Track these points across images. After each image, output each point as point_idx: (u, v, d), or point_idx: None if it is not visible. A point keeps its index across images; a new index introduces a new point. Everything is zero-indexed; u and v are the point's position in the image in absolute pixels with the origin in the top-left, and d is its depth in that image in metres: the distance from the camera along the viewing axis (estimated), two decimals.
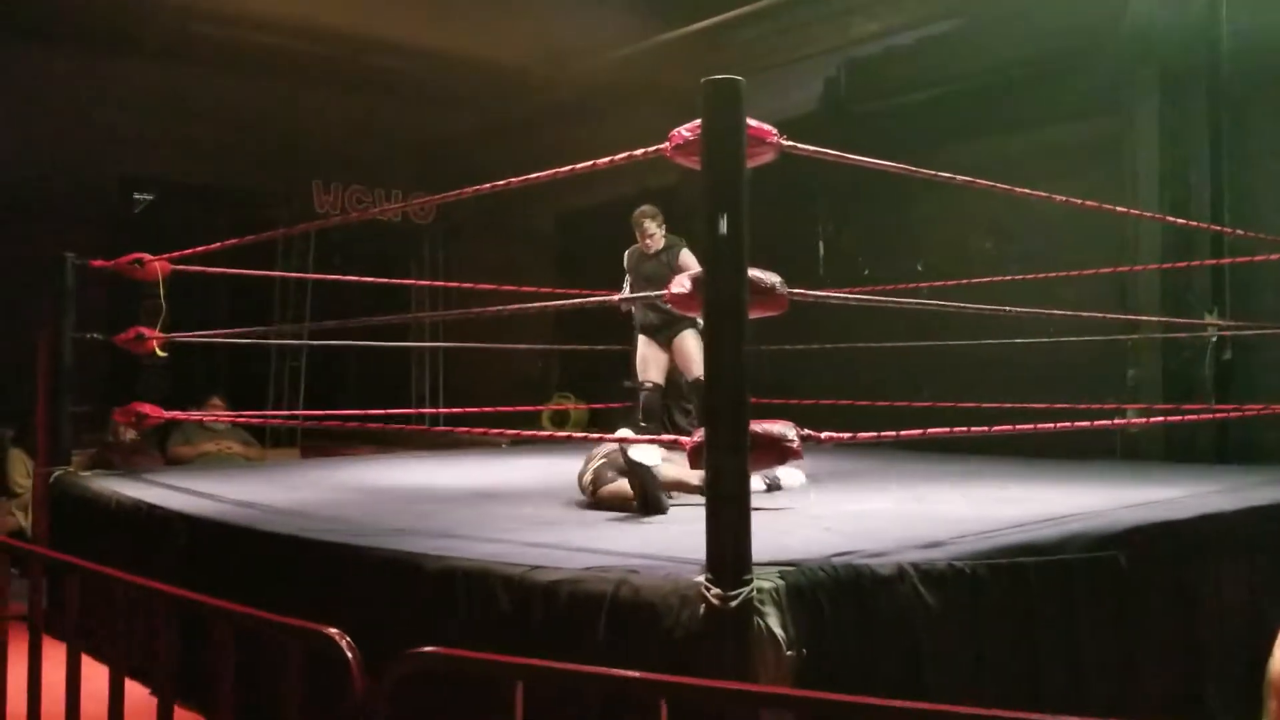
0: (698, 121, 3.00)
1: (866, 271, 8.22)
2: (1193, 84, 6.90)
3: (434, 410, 9.58)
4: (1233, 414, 5.85)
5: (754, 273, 2.90)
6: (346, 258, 10.14)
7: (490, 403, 7.71)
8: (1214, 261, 6.66)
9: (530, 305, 4.56)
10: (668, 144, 3.13)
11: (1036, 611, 3.47)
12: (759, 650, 2.74)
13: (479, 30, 8.69)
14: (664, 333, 6.10)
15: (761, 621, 2.75)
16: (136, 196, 10.73)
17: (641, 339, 6.23)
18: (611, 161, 3.51)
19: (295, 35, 8.87)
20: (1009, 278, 7.09)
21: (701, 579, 2.81)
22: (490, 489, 5.69)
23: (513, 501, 5.07)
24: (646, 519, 4.39)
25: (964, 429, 3.73)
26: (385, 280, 7.93)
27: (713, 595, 2.69)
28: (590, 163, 3.61)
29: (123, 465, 7.03)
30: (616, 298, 5.54)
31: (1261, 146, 6.74)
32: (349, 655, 1.99)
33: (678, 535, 3.95)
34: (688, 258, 5.80)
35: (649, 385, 6.10)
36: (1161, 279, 6.85)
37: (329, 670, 2.06)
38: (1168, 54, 6.97)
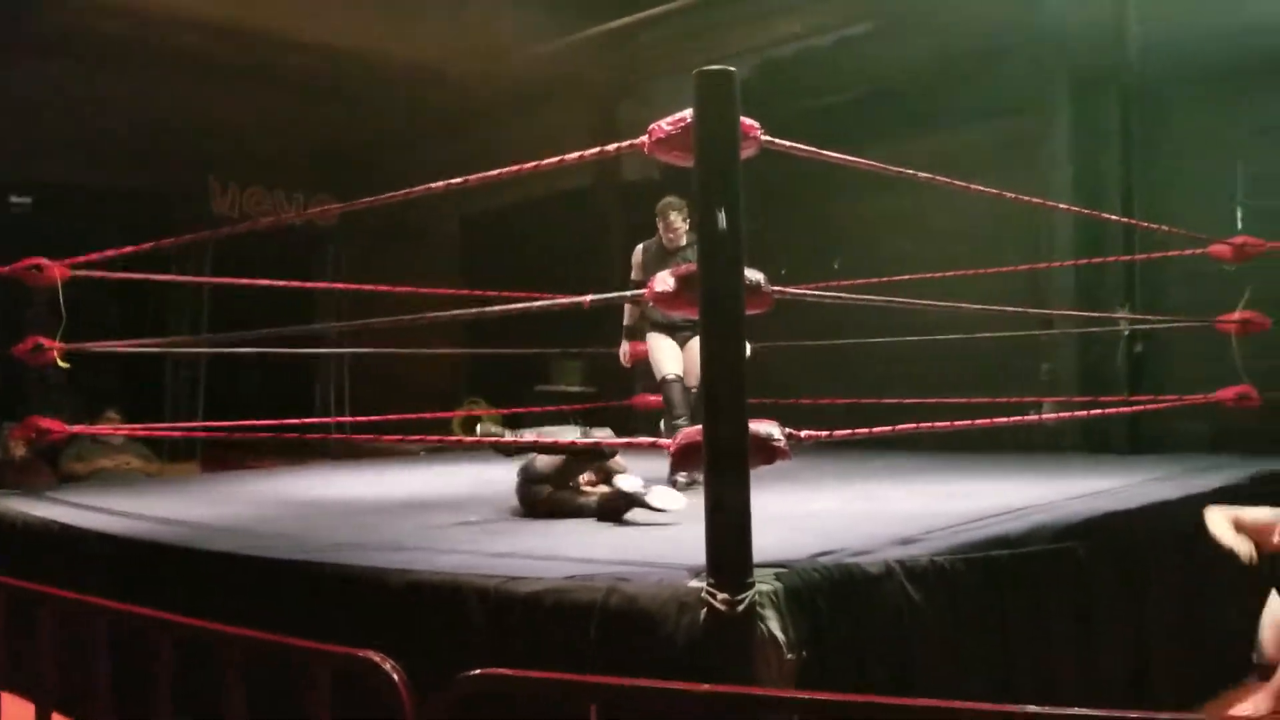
0: (680, 115, 2.92)
1: (784, 271, 8.23)
2: (1103, 84, 7.11)
3: (342, 419, 9.27)
4: (1148, 406, 6.02)
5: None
6: (243, 262, 9.75)
7: (398, 410, 7.47)
8: (1126, 258, 6.86)
9: (491, 310, 4.42)
10: (645, 138, 3.03)
11: (1008, 602, 3.50)
12: (762, 654, 2.68)
13: (384, 28, 8.45)
14: (684, 333, 5.76)
15: (763, 625, 2.70)
16: (14, 200, 10.15)
17: (653, 336, 5.92)
18: (583, 157, 3.42)
19: (191, 30, 8.49)
20: (926, 275, 7.21)
21: (700, 584, 2.75)
22: (424, 499, 5.53)
23: (453, 511, 4.91)
24: (600, 524, 4.31)
25: (928, 425, 3.74)
26: (296, 283, 7.62)
27: (719, 600, 2.61)
28: (547, 161, 3.53)
29: (15, 483, 6.64)
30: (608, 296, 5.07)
31: (1169, 145, 6.98)
32: (395, 679, 1.85)
33: (644, 541, 3.88)
34: None
35: (671, 377, 5.70)
36: (1075, 275, 7.03)
37: (361, 696, 1.92)
38: (1079, 55, 7.17)
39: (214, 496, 5.85)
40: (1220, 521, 4.27)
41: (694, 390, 5.49)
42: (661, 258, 5.63)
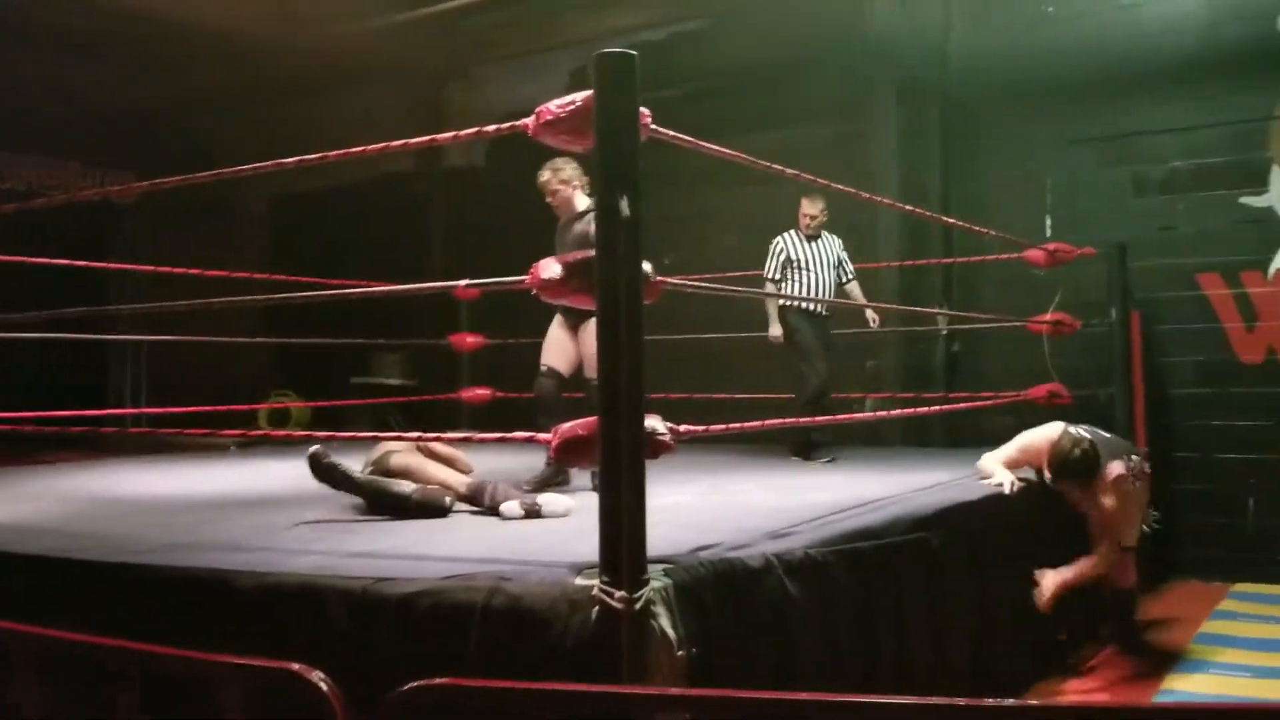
0: (570, 98, 2.82)
1: (667, 261, 8.22)
2: (927, 93, 7.40)
3: (140, 410, 8.68)
4: (970, 404, 6.28)
5: None
6: (27, 240, 8.98)
7: (200, 402, 7.01)
8: (946, 260, 7.16)
9: (351, 291, 4.15)
10: (530, 120, 2.90)
11: (872, 591, 3.57)
12: (654, 652, 2.63)
13: None
14: (575, 316, 5.15)
15: (655, 622, 2.64)
16: None
17: (556, 319, 5.36)
18: (457, 137, 3.27)
19: None
20: (754, 273, 7.32)
21: (588, 581, 2.67)
22: (251, 495, 5.22)
23: (289, 508, 4.63)
24: (460, 523, 4.16)
25: (778, 422, 3.77)
26: (85, 263, 6.96)
27: (616, 599, 2.54)
28: (397, 143, 3.34)
29: None
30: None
31: (986, 154, 7.32)
32: (326, 692, 1.69)
33: (507, 538, 3.77)
34: None
35: (545, 369, 5.27)
36: (899, 276, 7.29)
37: (284, 712, 1.75)
38: (904, 64, 7.44)
39: (10, 494, 5.34)
40: (990, 460, 5.03)
41: (589, 389, 4.99)
42: (565, 226, 5.22)
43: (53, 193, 9.05)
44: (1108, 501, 4.63)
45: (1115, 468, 4.64)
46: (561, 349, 5.29)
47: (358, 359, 9.35)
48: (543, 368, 5.29)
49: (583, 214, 5.10)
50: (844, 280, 6.60)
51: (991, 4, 7.34)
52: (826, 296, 6.45)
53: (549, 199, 5.24)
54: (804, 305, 6.37)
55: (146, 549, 3.61)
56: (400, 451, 4.53)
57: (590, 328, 4.88)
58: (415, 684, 1.73)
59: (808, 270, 6.49)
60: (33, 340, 7.53)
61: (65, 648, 2.16)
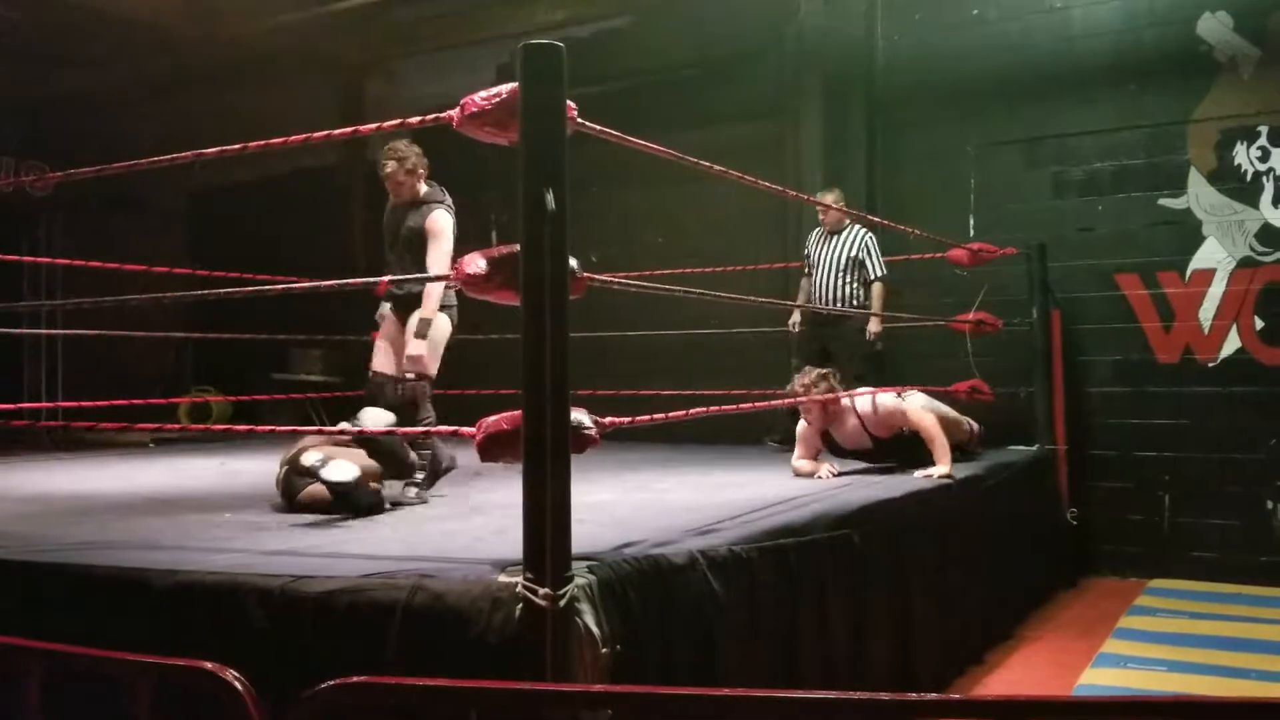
0: (495, 90, 2.77)
1: (594, 258, 8.17)
2: (852, 93, 7.44)
3: (54, 404, 8.41)
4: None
5: None
6: None
7: (116, 397, 6.80)
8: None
9: (239, 291, 4.02)
10: (454, 113, 2.86)
11: (796, 588, 3.58)
12: (578, 649, 2.60)
13: None
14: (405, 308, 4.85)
15: (579, 619, 2.62)
16: None
17: (389, 320, 5.02)
18: (380, 129, 3.21)
19: None
20: (684, 270, 7.34)
21: (511, 579, 2.64)
22: (166, 494, 5.10)
23: (204, 507, 4.55)
24: (377, 521, 4.11)
25: (715, 409, 3.76)
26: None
27: (540, 596, 2.50)
28: (372, 127, 3.29)
29: None
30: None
31: (910, 154, 7.39)
32: (241, 692, 1.63)
33: (428, 535, 3.73)
34: (438, 221, 4.74)
35: (371, 375, 4.99)
36: None
37: (192, 713, 1.68)
38: (831, 65, 7.48)
39: None
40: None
41: (402, 382, 4.78)
42: (394, 214, 4.90)
43: None
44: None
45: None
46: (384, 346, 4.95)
47: (279, 355, 9.19)
48: (378, 374, 4.91)
49: (424, 201, 4.80)
50: (869, 279, 6.65)
51: (918, 5, 7.42)
52: (826, 299, 6.54)
53: (393, 188, 4.82)
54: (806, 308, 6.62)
55: (56, 547, 3.51)
56: (314, 447, 4.46)
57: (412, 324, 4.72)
58: (332, 682, 1.68)
59: (815, 271, 6.60)
60: None
61: None
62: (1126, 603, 5.81)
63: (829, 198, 6.53)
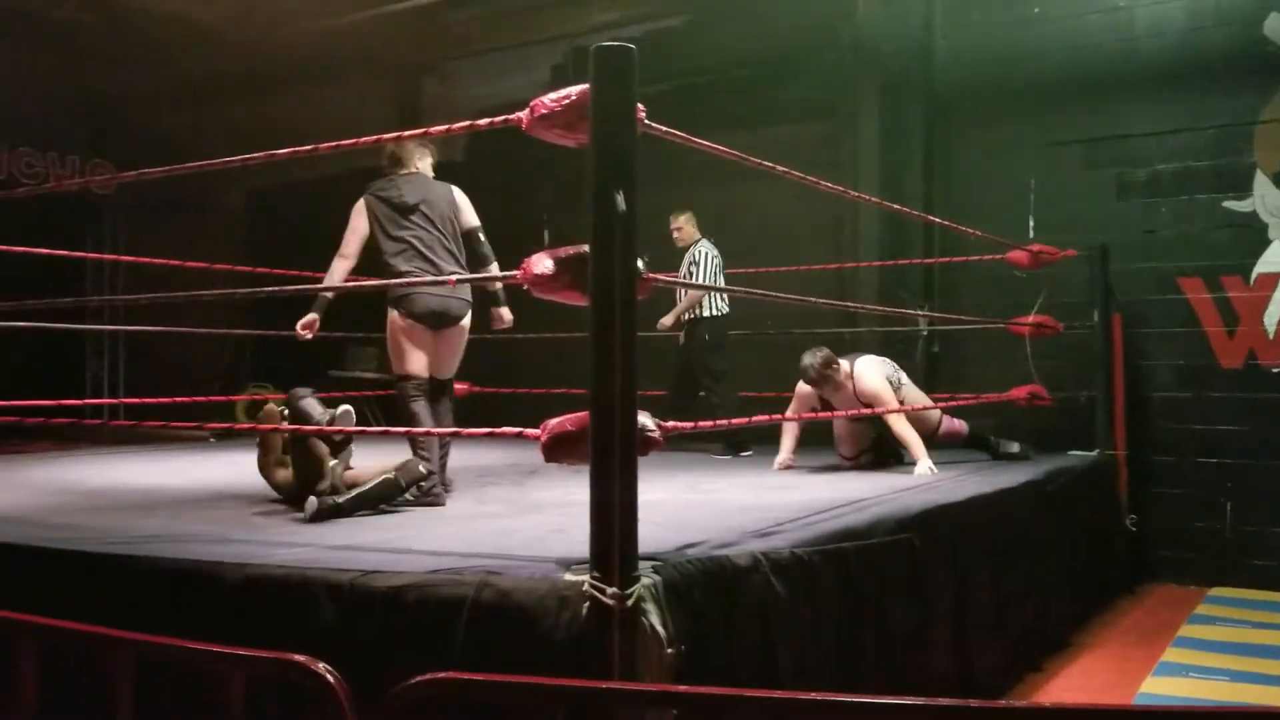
0: (565, 91, 2.80)
1: (648, 258, 8.18)
2: (910, 93, 7.39)
3: (117, 401, 8.58)
4: (951, 404, 6.28)
5: None
6: (4, 230, 8.86)
7: (177, 394, 6.93)
8: (928, 260, 7.17)
9: (287, 290, 4.10)
10: (523, 114, 2.88)
11: (856, 592, 3.57)
12: (644, 648, 2.61)
13: None
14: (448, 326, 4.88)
15: (645, 619, 2.63)
16: None
17: (405, 326, 4.91)
18: (450, 130, 3.24)
19: None
20: (736, 270, 7.32)
21: (577, 577, 2.66)
22: (230, 488, 5.17)
23: (267, 501, 4.61)
24: (437, 517, 4.15)
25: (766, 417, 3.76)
26: (64, 253, 6.87)
27: (608, 595, 2.52)
28: (422, 131, 3.31)
29: None
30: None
31: (968, 154, 7.33)
32: (333, 684, 1.66)
33: (487, 532, 3.75)
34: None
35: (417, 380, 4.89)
36: (879, 277, 7.29)
37: (287, 707, 1.72)
38: (888, 64, 7.44)
39: None
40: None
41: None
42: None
43: (32, 182, 8.93)
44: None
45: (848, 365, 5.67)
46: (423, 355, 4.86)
47: (335, 353, 9.29)
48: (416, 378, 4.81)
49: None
50: None
51: (977, 4, 7.35)
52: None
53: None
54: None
55: (125, 540, 3.58)
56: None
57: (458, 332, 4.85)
58: (421, 678, 1.70)
59: None
60: (8, 331, 7.44)
61: (62, 637, 2.12)
62: (1186, 611, 5.73)
63: (681, 219, 6.97)
